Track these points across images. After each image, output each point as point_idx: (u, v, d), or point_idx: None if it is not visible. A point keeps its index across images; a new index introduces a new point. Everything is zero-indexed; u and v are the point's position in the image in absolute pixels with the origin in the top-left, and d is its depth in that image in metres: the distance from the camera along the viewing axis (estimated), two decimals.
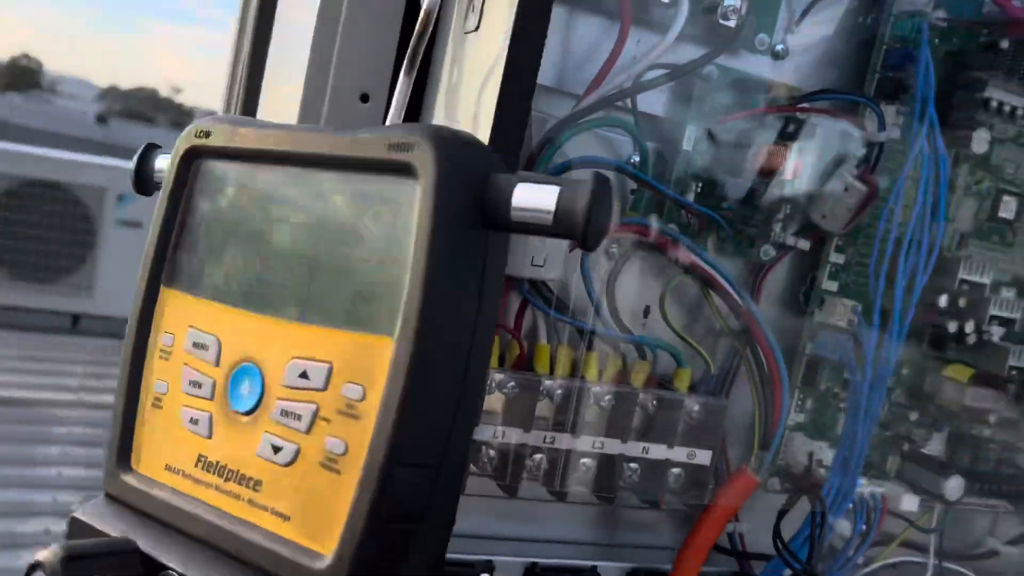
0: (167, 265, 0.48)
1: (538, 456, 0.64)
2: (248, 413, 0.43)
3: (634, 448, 0.66)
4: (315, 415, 0.41)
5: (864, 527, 0.73)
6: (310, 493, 0.41)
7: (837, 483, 0.71)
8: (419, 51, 0.53)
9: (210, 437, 0.44)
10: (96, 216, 4.02)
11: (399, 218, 0.40)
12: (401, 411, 0.38)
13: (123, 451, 0.47)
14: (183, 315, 0.46)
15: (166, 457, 0.46)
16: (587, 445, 0.65)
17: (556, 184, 0.39)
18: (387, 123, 0.54)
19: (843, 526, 0.72)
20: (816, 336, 0.74)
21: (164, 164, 0.51)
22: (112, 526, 0.45)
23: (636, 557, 0.73)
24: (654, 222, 0.66)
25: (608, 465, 0.66)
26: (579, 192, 0.38)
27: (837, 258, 0.73)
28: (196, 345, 0.46)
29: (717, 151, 0.67)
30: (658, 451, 0.67)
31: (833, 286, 0.73)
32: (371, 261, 0.41)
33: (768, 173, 0.67)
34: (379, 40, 0.64)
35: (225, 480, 0.43)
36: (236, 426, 0.44)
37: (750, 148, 0.67)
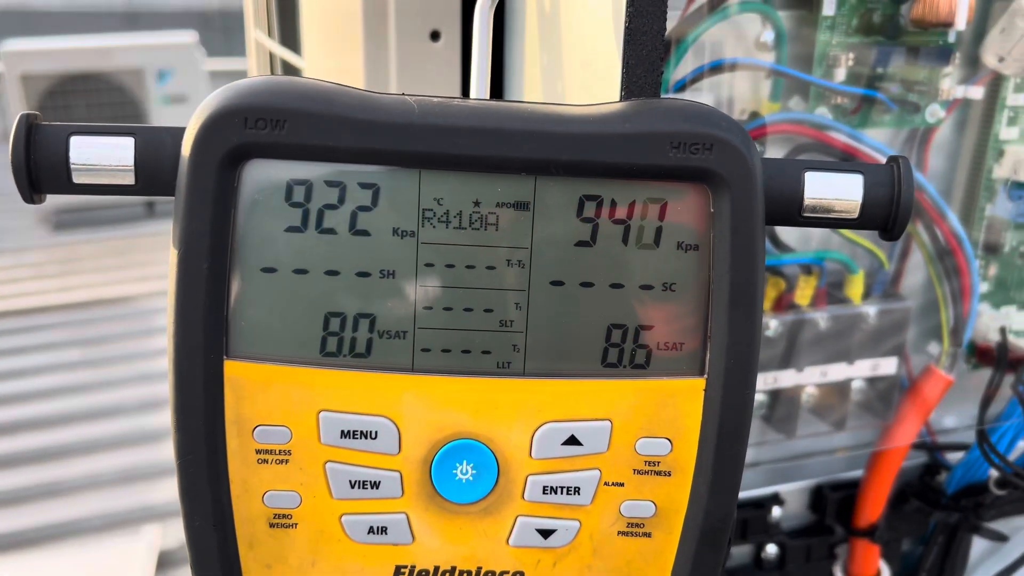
0: (227, 328, 0.33)
1: None
2: (478, 501, 0.35)
3: (811, 375, 0.58)
4: (599, 483, 0.35)
5: None
6: (609, 566, 0.36)
7: None
8: None
9: (411, 542, 0.36)
10: (140, 98, 3.91)
11: (679, 234, 0.34)
12: (732, 455, 0.35)
13: None
14: (294, 398, 0.34)
15: None
16: (759, 383, 0.57)
17: (855, 171, 0.34)
18: (478, 69, 0.43)
19: None
20: (995, 195, 0.64)
21: (98, 152, 0.33)
22: None
23: (816, 473, 0.66)
24: (804, 114, 0.55)
25: (783, 398, 0.59)
26: (887, 179, 0.34)
27: (1016, 100, 0.61)
28: (349, 434, 0.34)
29: (865, 10, 0.55)
30: (837, 371, 0.59)
31: (1013, 133, 0.62)
32: (632, 288, 0.34)
33: (934, 24, 0.55)
34: None
35: None
36: (456, 520, 0.35)
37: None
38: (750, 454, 0.64)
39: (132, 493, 2.12)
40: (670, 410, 0.34)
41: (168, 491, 2.09)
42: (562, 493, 0.35)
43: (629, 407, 0.34)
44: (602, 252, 0.33)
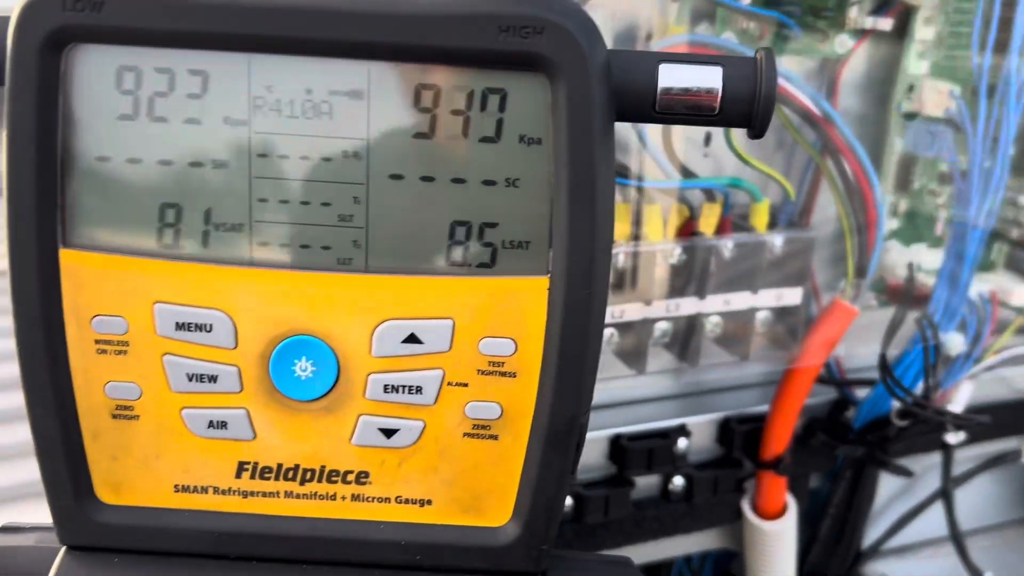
0: (63, 217, 0.32)
1: (608, 331, 0.57)
2: (318, 399, 0.34)
3: (714, 302, 0.58)
4: (441, 383, 0.34)
5: (974, 334, 0.66)
6: (456, 468, 0.35)
7: (946, 292, 0.63)
8: None
9: (253, 438, 0.35)
10: None
11: (521, 127, 0.32)
12: (576, 357, 0.34)
13: (79, 485, 0.35)
14: (130, 288, 0.33)
15: (170, 476, 0.36)
16: (660, 311, 0.57)
17: (714, 63, 0.32)
18: None
19: (955, 341, 0.64)
20: (905, 130, 0.64)
21: None
22: None
23: (726, 407, 0.67)
24: (710, 37, 0.54)
25: (687, 326, 0.59)
26: (749, 72, 0.32)
27: (925, 33, 0.61)
28: (184, 327, 0.33)
29: None
30: (741, 300, 0.59)
31: (922, 67, 0.62)
32: (475, 184, 0.33)
33: None
34: None
35: (303, 483, 0.36)
36: (298, 417, 0.35)
37: None
38: (654, 384, 0.65)
39: None
40: (514, 310, 0.33)
41: None
42: (404, 392, 0.34)
43: (473, 306, 0.33)
44: (442, 145, 0.32)
